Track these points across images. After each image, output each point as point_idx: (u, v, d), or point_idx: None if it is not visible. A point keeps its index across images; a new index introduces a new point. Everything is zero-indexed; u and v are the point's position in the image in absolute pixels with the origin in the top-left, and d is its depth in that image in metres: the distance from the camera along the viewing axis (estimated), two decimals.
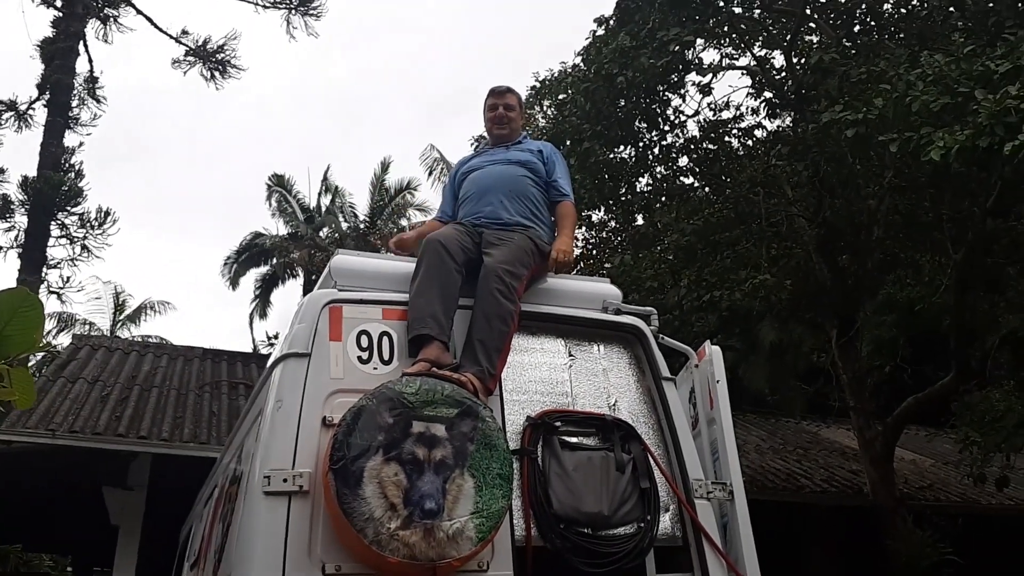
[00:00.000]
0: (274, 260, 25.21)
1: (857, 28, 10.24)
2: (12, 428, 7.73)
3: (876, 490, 10.49)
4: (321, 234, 24.66)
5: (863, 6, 9.99)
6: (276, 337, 23.09)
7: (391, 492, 2.66)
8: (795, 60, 10.37)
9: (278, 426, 2.93)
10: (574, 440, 3.25)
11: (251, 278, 25.95)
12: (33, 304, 1.43)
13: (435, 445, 2.78)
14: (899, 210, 10.50)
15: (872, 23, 10.21)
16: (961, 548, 9.95)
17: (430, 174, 23.56)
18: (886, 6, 10.11)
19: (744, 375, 16.65)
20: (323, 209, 26.02)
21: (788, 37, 10.38)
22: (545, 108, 13.05)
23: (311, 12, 18.63)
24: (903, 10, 10.02)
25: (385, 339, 3.22)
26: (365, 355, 3.16)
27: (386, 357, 3.18)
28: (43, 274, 16.39)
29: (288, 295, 32.53)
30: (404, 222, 25.06)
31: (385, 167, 25.67)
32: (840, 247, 11.04)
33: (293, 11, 18.60)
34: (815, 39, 10.68)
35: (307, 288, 23.77)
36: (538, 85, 12.64)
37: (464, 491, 2.74)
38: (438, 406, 2.87)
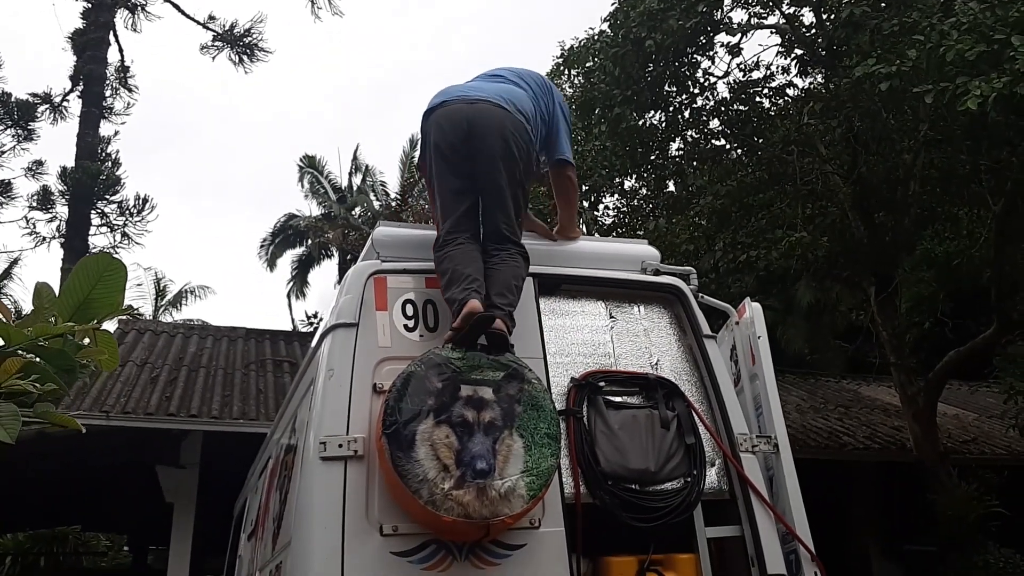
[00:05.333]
0: (309, 241, 25.44)
1: None
2: (67, 411, 7.95)
3: (919, 445, 10.45)
4: (354, 213, 24.79)
5: None
6: (315, 316, 23.38)
7: (443, 454, 2.74)
8: (824, 16, 10.22)
9: (330, 394, 3.02)
10: (618, 399, 3.31)
11: (287, 259, 26.27)
12: (117, 268, 1.51)
13: (483, 407, 2.86)
14: (935, 164, 10.35)
15: None
16: (1007, 500, 9.92)
17: None
18: None
19: (782, 336, 16.59)
20: (355, 189, 26.16)
21: None
22: (573, 77, 12.98)
23: None
24: None
25: (429, 307, 3.28)
26: (411, 323, 3.23)
27: (431, 324, 3.25)
28: None
29: (324, 275, 32.90)
30: None
31: (414, 144, 25.69)
32: (876, 203, 10.91)
33: None
34: None
35: (342, 267, 23.98)
36: (565, 54, 12.55)
37: (514, 451, 2.82)
38: (484, 370, 2.94)
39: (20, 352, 1.41)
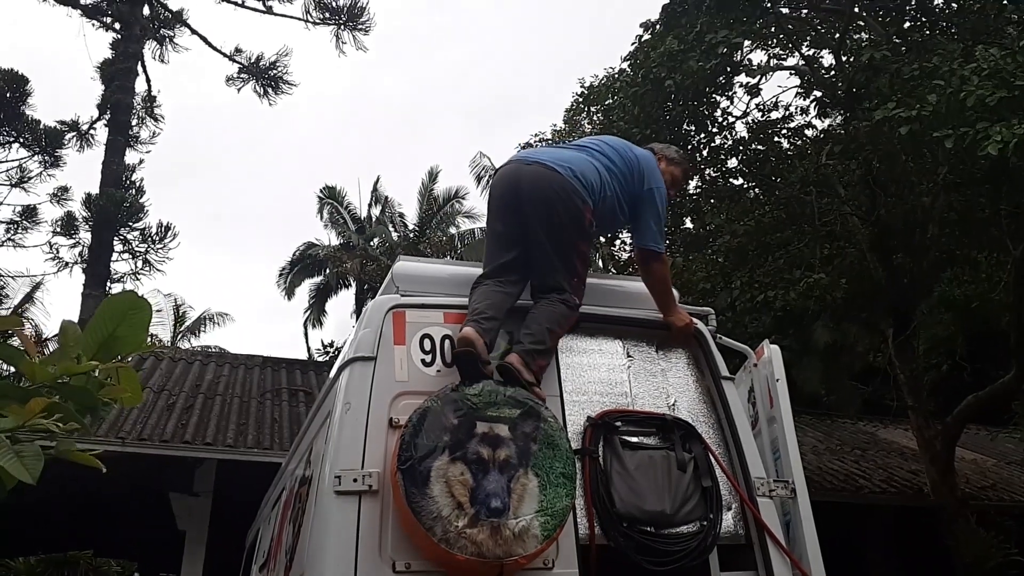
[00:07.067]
0: (327, 270, 25.57)
1: (908, 24, 10.13)
2: (83, 437, 7.95)
3: (937, 490, 10.32)
4: (372, 244, 24.94)
5: (913, 2, 9.88)
6: (331, 345, 23.41)
7: (458, 491, 2.73)
8: (844, 59, 10.28)
9: (347, 428, 3.01)
10: (635, 440, 3.28)
11: (305, 288, 26.39)
12: (142, 307, 1.54)
13: (499, 445, 2.85)
14: (954, 207, 10.34)
15: (923, 19, 10.09)
16: None
17: (479, 182, 23.73)
18: (937, 1, 9.99)
19: (798, 376, 16.46)
20: (373, 219, 26.34)
21: (837, 36, 10.30)
22: (592, 114, 13.08)
23: (359, 27, 18.88)
24: (955, 5, 9.88)
25: (447, 342, 3.28)
26: (428, 358, 3.23)
27: (448, 360, 3.24)
28: (107, 289, 16.78)
29: (342, 304, 33.01)
30: (453, 230, 25.27)
31: (433, 176, 25.92)
32: (894, 246, 10.89)
33: (342, 27, 18.86)
34: (864, 36, 10.58)
35: (360, 297, 24.07)
36: (585, 91, 12.68)
37: (528, 490, 2.80)
38: (501, 407, 2.94)
39: (45, 390, 1.44)
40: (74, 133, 17.97)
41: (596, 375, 3.47)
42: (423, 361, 3.22)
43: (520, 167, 3.62)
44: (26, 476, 1.34)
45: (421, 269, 3.69)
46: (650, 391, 3.49)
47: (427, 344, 3.27)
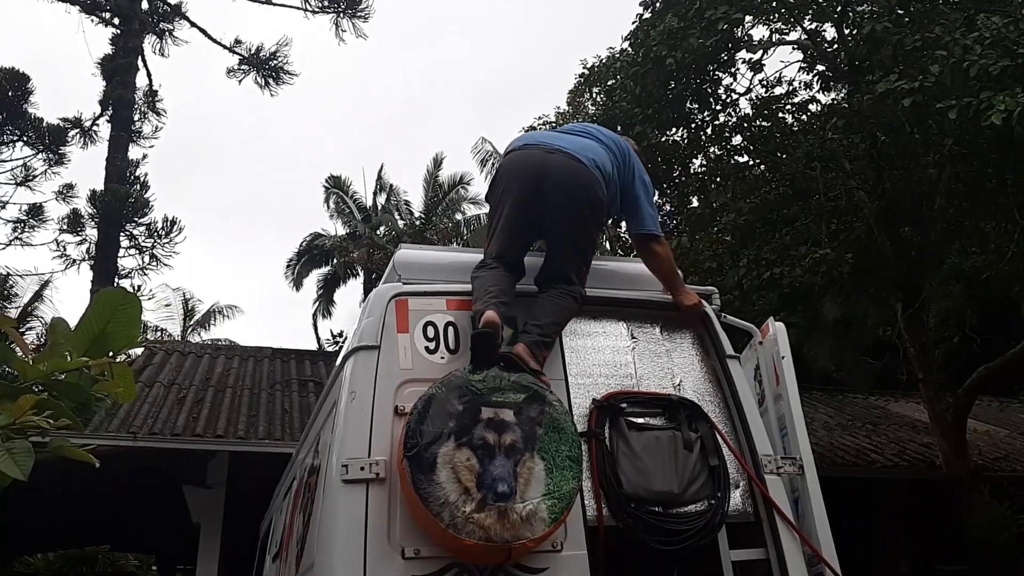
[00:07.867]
0: (334, 260, 25.59)
1: None
2: (95, 432, 8.01)
3: (949, 463, 10.30)
4: (379, 232, 24.94)
5: None
6: (341, 335, 23.46)
7: (464, 476, 2.74)
8: (847, 31, 10.19)
9: (352, 417, 3.03)
10: (641, 421, 3.29)
11: (313, 279, 26.41)
12: (132, 302, 1.53)
13: (504, 430, 2.85)
14: (961, 178, 10.25)
15: None
16: None
17: (483, 166, 23.69)
18: None
19: (808, 352, 16.44)
20: (379, 208, 26.31)
21: (838, 8, 10.20)
22: (595, 95, 13.04)
23: (359, 15, 18.85)
24: None
25: (450, 329, 3.29)
26: (432, 345, 3.23)
27: (452, 347, 3.25)
28: (115, 284, 16.87)
29: (350, 294, 33.01)
30: (459, 216, 25.27)
31: (438, 163, 25.86)
32: (901, 218, 10.82)
33: (341, 15, 18.83)
34: (866, 8, 10.48)
35: (367, 286, 24.08)
36: (587, 72, 12.62)
37: (535, 473, 2.81)
38: (505, 392, 2.94)
39: (35, 388, 1.44)
40: (77, 130, 18.02)
41: (601, 357, 3.47)
42: (427, 348, 3.23)
43: (544, 155, 3.56)
44: (17, 472, 1.34)
45: (422, 256, 3.69)
46: (655, 372, 3.49)
47: (430, 331, 3.27)
